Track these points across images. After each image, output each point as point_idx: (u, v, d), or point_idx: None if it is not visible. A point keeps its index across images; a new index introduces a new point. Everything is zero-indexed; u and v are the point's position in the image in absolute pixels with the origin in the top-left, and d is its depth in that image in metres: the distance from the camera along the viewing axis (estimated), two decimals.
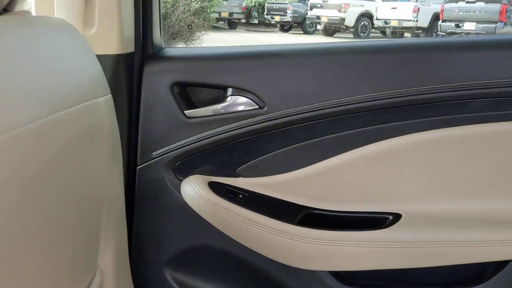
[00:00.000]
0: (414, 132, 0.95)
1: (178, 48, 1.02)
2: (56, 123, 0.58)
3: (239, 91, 0.97)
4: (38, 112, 0.54)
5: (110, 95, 0.79)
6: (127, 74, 0.94)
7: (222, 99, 0.98)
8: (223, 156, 0.99)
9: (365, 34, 11.26)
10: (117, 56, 0.91)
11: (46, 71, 0.61)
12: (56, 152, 0.59)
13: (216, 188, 0.97)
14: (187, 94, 1.00)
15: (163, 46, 1.04)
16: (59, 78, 0.64)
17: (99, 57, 0.88)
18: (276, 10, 12.68)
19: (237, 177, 1.00)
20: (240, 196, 0.98)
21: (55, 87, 0.61)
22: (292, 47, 1.00)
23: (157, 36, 1.01)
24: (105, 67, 0.89)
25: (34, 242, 0.55)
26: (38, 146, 0.54)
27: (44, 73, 0.60)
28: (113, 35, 0.90)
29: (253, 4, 13.32)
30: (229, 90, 0.97)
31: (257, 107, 0.96)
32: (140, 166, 1.00)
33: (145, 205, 1.02)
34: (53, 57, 0.65)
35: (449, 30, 9.20)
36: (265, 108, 0.96)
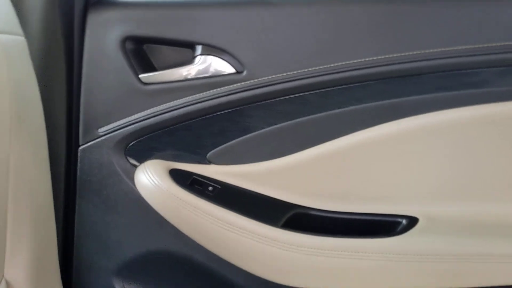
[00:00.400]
0: (442, 109, 0.72)
1: None
2: None
3: (211, 49, 0.74)
4: None
5: (19, 38, 0.57)
6: (64, 24, 0.72)
7: (189, 60, 0.76)
8: (190, 136, 0.77)
9: None
10: None
11: None
12: None
13: (179, 177, 0.75)
14: (144, 52, 0.77)
15: None
16: None
17: None
18: None
19: (207, 163, 0.77)
20: (210, 188, 0.76)
21: None
22: None
23: None
24: (30, 13, 0.68)
25: None
26: None
27: None
28: None
29: None
30: (198, 49, 0.75)
31: (235, 71, 0.74)
32: (82, 147, 0.78)
33: (89, 196, 0.80)
34: None
35: None
36: (245, 72, 0.73)
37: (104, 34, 0.74)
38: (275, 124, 0.75)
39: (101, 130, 0.77)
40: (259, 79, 0.73)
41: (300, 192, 0.77)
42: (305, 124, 0.75)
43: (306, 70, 0.72)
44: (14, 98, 0.54)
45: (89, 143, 0.78)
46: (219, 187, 0.76)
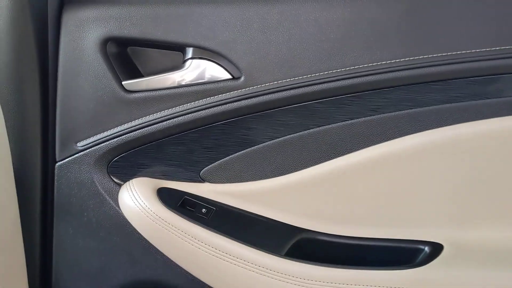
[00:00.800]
0: (471, 120, 0.62)
1: None
2: None
3: (204, 52, 0.65)
4: None
5: None
6: (36, 24, 0.64)
7: (179, 65, 0.67)
8: (181, 150, 0.68)
9: None
10: None
11: None
12: None
13: (168, 197, 0.66)
14: (127, 56, 0.68)
15: None
16: None
17: None
18: None
19: (200, 181, 0.68)
20: (204, 210, 0.67)
21: None
22: None
23: None
24: None
25: None
26: None
27: None
28: None
29: None
30: (189, 52, 0.65)
31: (230, 77, 0.65)
32: (59, 163, 0.69)
33: (68, 219, 0.71)
34: None
35: None
36: (242, 78, 0.64)
37: (82, 35, 0.65)
38: (277, 137, 0.66)
39: (80, 144, 0.68)
40: (258, 86, 0.64)
41: (307, 214, 0.67)
42: (312, 137, 0.65)
43: (313, 75, 0.63)
44: None
45: (67, 159, 0.69)
46: (214, 208, 0.67)
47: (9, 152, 0.58)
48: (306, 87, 0.63)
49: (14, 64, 0.64)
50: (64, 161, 0.69)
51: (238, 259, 0.63)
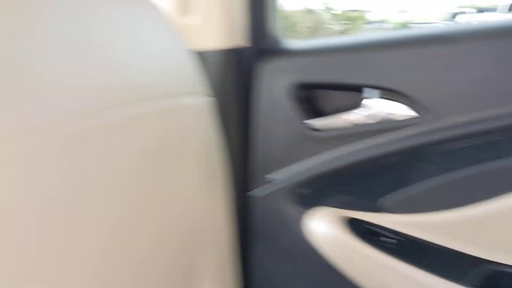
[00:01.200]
0: None
1: (301, 41, 0.79)
2: (123, 119, 0.40)
3: (387, 93, 0.70)
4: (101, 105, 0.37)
5: (207, 98, 0.59)
6: (236, 74, 0.75)
7: (359, 104, 0.72)
8: (362, 183, 0.72)
9: None
10: (225, 52, 0.72)
11: (110, 55, 0.42)
12: (121, 158, 0.40)
13: (352, 226, 0.71)
14: (314, 99, 0.76)
15: (280, 39, 0.81)
16: (125, 66, 0.45)
17: (201, 53, 0.71)
18: None
19: (381, 212, 0.72)
20: (387, 239, 0.70)
21: (117, 75, 0.43)
22: (468, 27, 0.69)
23: (273, 25, 0.79)
24: (208, 65, 0.71)
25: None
26: (99, 148, 0.37)
27: (106, 58, 0.41)
28: (219, 26, 0.71)
29: None
30: (369, 92, 0.71)
31: (411, 114, 0.68)
32: (251, 192, 0.78)
33: (260, 244, 0.79)
34: (123, 38, 0.47)
35: None
36: (424, 115, 0.67)
37: (275, 82, 0.74)
38: (459, 170, 0.67)
39: (270, 177, 0.76)
40: (441, 122, 0.66)
41: (493, 246, 0.66)
42: (495, 169, 0.65)
43: (498, 110, 0.63)
44: (203, 157, 0.56)
45: (258, 189, 0.78)
46: (397, 238, 0.70)
47: (229, 190, 0.68)
48: (492, 121, 0.64)
49: (221, 107, 0.75)
50: (255, 191, 0.78)
51: None
